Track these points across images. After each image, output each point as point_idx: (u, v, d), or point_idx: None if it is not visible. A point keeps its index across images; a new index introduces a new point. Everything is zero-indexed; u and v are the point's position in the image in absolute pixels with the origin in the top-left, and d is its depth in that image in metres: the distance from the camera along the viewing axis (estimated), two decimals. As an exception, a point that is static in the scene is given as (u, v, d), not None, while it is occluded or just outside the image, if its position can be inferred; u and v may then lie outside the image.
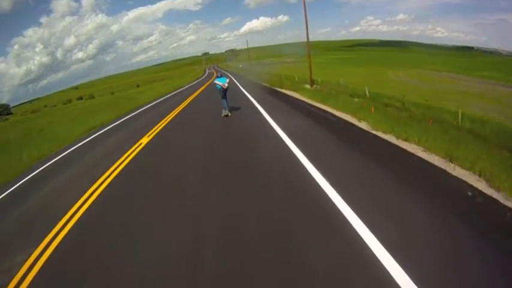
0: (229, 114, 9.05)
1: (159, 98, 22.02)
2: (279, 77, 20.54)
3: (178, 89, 30.57)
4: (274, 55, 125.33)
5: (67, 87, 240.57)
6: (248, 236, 2.87)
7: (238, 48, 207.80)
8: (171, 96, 22.87)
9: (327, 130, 6.35)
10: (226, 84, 8.90)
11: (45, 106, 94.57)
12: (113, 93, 66.84)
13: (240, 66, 55.79)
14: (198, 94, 19.53)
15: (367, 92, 10.98)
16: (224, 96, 8.97)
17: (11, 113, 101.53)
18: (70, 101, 76.98)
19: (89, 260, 3.02)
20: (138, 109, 16.72)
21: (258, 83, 20.02)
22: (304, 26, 14.94)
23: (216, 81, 8.99)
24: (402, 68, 45.21)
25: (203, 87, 24.89)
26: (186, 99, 16.93)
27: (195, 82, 39.34)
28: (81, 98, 75.96)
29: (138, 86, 73.12)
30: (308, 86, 14.49)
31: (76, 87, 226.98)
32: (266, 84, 18.33)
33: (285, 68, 40.85)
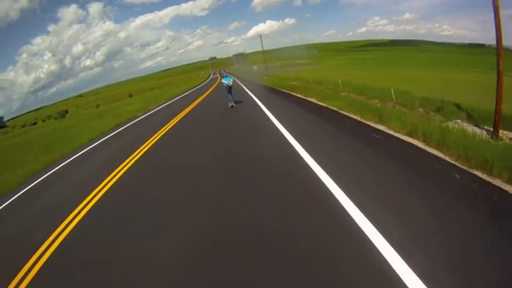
0: (234, 105, 10.76)
1: (123, 125, 13.21)
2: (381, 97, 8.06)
3: (163, 103, 21.73)
4: (283, 57, 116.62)
5: (73, 95, 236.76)
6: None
7: (246, 52, 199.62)
8: (142, 120, 13.96)
9: None
10: (231, 83, 10.87)
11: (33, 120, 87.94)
12: (98, 106, 59.08)
13: (255, 68, 47.53)
14: (185, 115, 10.52)
15: None
16: (229, 92, 10.87)
17: (5, 126, 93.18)
18: (50, 117, 69.42)
19: None
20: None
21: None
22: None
23: (223, 81, 11.08)
24: (468, 70, 34.62)
25: (197, 101, 15.92)
26: (157, 131, 7.93)
27: (191, 91, 30.59)
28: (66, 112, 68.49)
29: (130, 95, 64.91)
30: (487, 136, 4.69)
31: (81, 95, 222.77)
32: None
33: (309, 71, 31.67)
